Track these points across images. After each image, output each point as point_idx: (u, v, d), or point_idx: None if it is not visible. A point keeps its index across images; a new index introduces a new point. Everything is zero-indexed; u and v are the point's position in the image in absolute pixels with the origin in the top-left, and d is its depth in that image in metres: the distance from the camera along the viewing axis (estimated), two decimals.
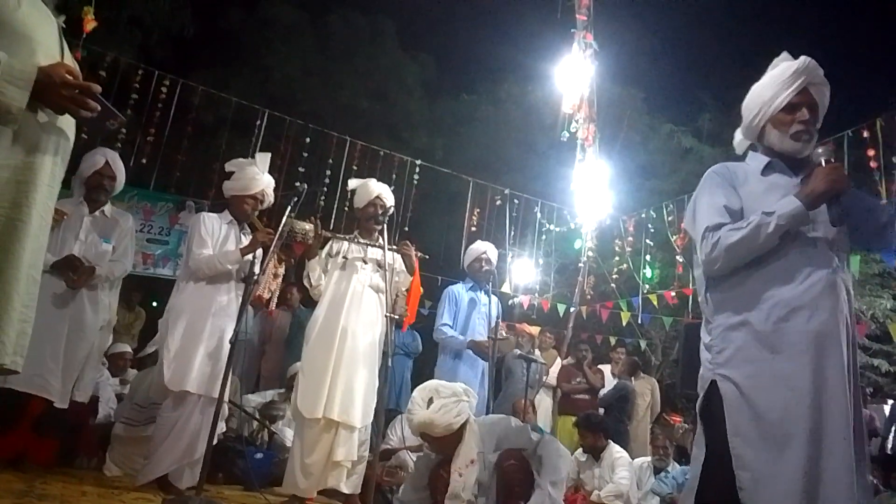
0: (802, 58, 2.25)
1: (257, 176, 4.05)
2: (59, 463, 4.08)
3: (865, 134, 6.09)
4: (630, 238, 8.98)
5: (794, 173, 2.21)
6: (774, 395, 2.01)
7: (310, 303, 4.18)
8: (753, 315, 2.09)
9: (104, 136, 3.84)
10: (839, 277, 2.07)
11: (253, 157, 4.20)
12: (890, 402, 9.08)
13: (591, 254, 8.57)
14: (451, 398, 3.27)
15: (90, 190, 4.12)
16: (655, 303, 8.73)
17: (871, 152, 6.03)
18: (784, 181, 2.19)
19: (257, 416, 5.20)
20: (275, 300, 7.55)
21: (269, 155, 4.22)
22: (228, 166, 4.13)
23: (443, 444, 3.25)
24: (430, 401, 3.29)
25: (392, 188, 4.41)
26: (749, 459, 2.01)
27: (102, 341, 4.30)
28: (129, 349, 5.92)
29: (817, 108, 2.26)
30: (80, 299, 3.95)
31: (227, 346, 3.52)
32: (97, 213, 4.14)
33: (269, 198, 4.17)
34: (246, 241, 4.00)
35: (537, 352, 6.84)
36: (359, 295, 4.00)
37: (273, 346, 7.01)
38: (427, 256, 4.48)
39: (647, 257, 9.23)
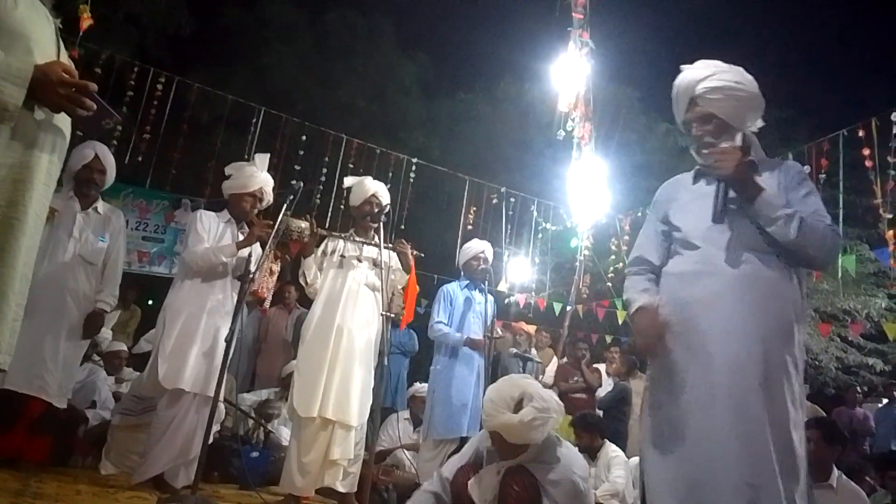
0: (679, 76, 2.34)
1: (255, 173, 4.04)
2: (54, 462, 4.07)
3: (861, 133, 6.11)
4: (626, 237, 8.98)
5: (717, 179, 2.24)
6: (667, 392, 2.14)
7: (309, 302, 4.17)
8: (666, 316, 2.22)
9: (100, 134, 3.81)
10: (748, 276, 2.10)
11: (249, 154, 4.21)
12: (885, 400, 9.10)
13: (587, 252, 8.57)
14: (543, 412, 2.84)
15: (80, 184, 4.04)
16: None
17: (866, 152, 6.05)
18: (709, 189, 2.26)
19: (253, 415, 5.19)
20: (269, 299, 7.56)
21: (268, 155, 4.22)
22: (228, 169, 4.13)
23: (507, 449, 2.91)
24: (520, 403, 2.86)
25: (388, 186, 4.40)
26: (644, 452, 2.19)
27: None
28: (124, 347, 5.89)
29: (710, 118, 2.27)
30: (76, 301, 3.93)
31: (222, 345, 3.51)
32: (90, 209, 4.08)
33: (268, 196, 4.17)
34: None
35: (534, 350, 6.84)
36: (354, 293, 3.99)
37: (269, 344, 6.99)
38: (423, 255, 4.48)
39: None
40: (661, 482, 2.05)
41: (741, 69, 2.29)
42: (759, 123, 2.35)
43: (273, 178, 4.24)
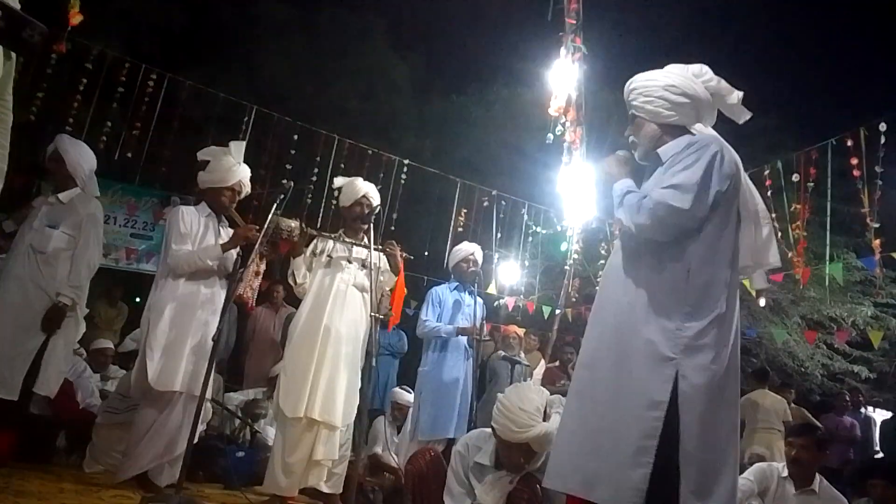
0: None
1: (234, 167, 3.94)
2: (18, 457, 3.87)
3: (849, 142, 6.16)
4: (615, 241, 8.98)
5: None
6: None
7: (298, 301, 4.15)
8: None
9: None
10: (625, 263, 2.37)
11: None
12: (869, 408, 9.17)
13: (576, 256, 8.57)
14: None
15: (49, 177, 3.96)
16: None
17: (854, 161, 6.10)
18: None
19: (240, 415, 5.17)
20: (254, 298, 7.54)
21: (244, 143, 4.10)
22: (201, 155, 4.01)
23: (521, 458, 2.92)
24: (546, 410, 2.88)
25: (379, 187, 4.39)
26: None
27: (70, 333, 3.96)
28: (111, 345, 5.86)
29: (633, 118, 2.58)
30: (22, 289, 3.75)
31: (209, 344, 3.48)
32: (52, 198, 3.94)
33: (246, 188, 4.07)
34: (225, 233, 3.95)
35: (522, 354, 6.85)
36: (343, 294, 3.98)
37: (257, 344, 6.97)
38: (412, 257, 4.47)
39: None
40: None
41: (670, 68, 2.46)
42: (681, 112, 2.41)
43: (264, 177, 4.20)
